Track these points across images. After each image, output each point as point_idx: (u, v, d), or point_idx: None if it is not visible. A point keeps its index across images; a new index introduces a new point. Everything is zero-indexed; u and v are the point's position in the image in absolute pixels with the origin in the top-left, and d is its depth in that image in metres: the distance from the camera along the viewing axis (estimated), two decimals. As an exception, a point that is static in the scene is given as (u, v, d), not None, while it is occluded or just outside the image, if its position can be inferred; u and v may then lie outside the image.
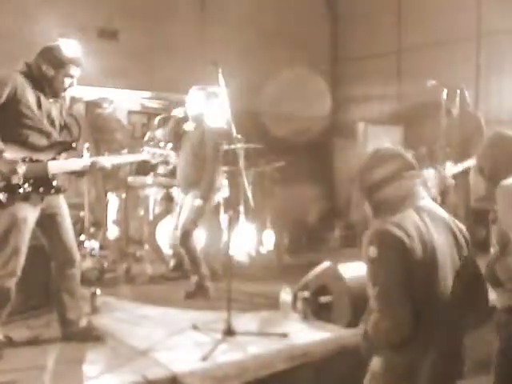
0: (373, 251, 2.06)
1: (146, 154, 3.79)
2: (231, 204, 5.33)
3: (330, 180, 8.07)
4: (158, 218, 5.67)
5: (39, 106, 3.26)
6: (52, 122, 3.35)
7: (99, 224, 5.85)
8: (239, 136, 4.39)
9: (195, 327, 3.71)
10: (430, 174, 5.15)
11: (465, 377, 2.23)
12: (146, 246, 5.50)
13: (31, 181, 3.20)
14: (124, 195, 5.54)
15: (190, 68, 6.79)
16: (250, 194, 3.81)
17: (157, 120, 6.18)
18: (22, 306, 3.75)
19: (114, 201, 5.82)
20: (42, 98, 3.29)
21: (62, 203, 3.44)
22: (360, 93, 8.35)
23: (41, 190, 3.26)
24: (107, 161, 3.55)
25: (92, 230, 5.57)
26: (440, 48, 7.67)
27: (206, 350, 3.27)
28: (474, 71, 7.44)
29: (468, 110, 5.18)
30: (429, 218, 2.12)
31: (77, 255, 3.51)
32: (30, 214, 3.23)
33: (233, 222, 4.81)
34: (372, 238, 2.09)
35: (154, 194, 5.72)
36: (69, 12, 6.49)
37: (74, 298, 3.50)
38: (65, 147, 3.39)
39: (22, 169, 3.12)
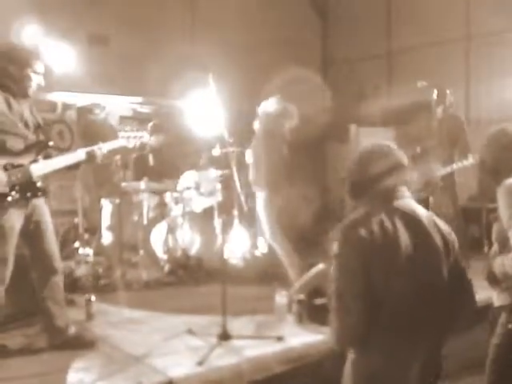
0: (335, 248, 2.06)
1: (121, 140, 3.72)
2: (225, 208, 5.33)
3: (324, 182, 8.10)
4: (152, 223, 5.67)
5: (10, 109, 3.20)
6: (26, 124, 3.30)
7: (93, 230, 5.83)
8: (231, 139, 4.40)
9: (190, 332, 3.71)
10: (419, 174, 5.19)
11: (458, 376, 2.22)
12: (141, 252, 5.49)
13: (17, 187, 3.16)
14: (118, 201, 5.53)
15: (180, 73, 6.79)
16: (243, 198, 3.82)
17: (149, 126, 6.18)
18: (17, 314, 3.74)
19: (107, 207, 5.81)
20: (12, 100, 3.22)
21: (45, 210, 3.40)
22: (351, 94, 8.38)
23: (28, 194, 3.22)
24: (103, 147, 3.54)
25: (86, 236, 5.56)
26: (430, 49, 7.72)
27: (202, 354, 3.27)
28: (464, 72, 7.49)
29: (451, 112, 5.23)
30: (401, 219, 2.07)
31: (59, 263, 3.46)
32: (16, 222, 3.20)
33: (227, 225, 4.81)
34: (335, 235, 2.07)
35: (147, 200, 5.71)
36: (59, 18, 6.48)
37: (60, 305, 3.46)
38: (41, 147, 3.34)
39: (3, 176, 3.08)
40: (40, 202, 3.36)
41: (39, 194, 3.29)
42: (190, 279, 5.27)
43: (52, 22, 5.97)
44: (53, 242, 3.43)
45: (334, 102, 8.28)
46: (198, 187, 5.65)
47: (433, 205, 4.65)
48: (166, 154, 6.02)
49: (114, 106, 6.96)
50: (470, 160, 4.96)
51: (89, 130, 6.51)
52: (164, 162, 6.11)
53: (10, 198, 3.12)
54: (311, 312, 3.91)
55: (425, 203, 4.22)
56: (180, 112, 6.08)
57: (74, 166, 3.51)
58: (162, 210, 5.86)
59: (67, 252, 5.42)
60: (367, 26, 8.51)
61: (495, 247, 2.59)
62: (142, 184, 5.69)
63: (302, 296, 3.97)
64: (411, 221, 2.09)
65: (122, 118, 7.10)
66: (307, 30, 9.05)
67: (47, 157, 3.37)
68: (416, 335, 2.03)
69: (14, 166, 3.17)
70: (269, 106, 4.76)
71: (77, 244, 5.19)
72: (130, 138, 3.75)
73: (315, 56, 9.31)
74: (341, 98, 8.25)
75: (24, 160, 3.23)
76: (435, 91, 4.74)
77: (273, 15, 8.30)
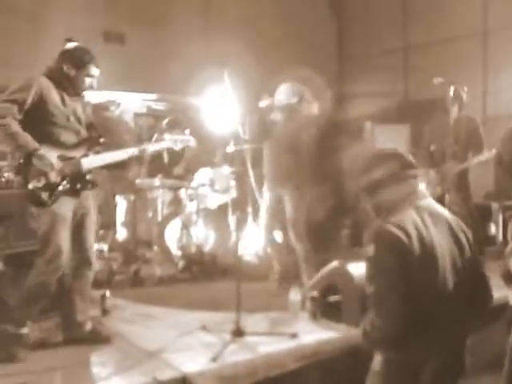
0: (371, 250, 2.07)
1: (169, 141, 3.88)
2: (239, 205, 5.33)
3: (338, 179, 8.05)
4: (167, 219, 5.69)
5: (64, 104, 3.38)
6: (78, 120, 3.47)
7: (108, 226, 5.87)
8: (246, 136, 4.39)
9: (204, 328, 3.72)
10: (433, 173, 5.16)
11: (475, 374, 2.22)
12: (155, 248, 5.52)
13: (67, 178, 3.32)
14: (132, 197, 5.56)
15: (195, 70, 6.80)
16: (257, 195, 3.81)
17: (165, 123, 6.21)
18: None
19: (122, 203, 5.85)
20: (66, 97, 3.40)
21: (92, 204, 3.55)
22: (366, 91, 8.33)
23: (78, 186, 3.38)
24: (140, 151, 3.68)
25: (101, 232, 5.60)
26: (446, 45, 7.65)
27: (216, 350, 3.28)
28: (481, 67, 7.42)
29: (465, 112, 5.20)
30: (430, 218, 2.11)
31: (94, 258, 3.58)
32: (68, 212, 3.34)
33: (241, 222, 4.82)
34: (371, 238, 2.09)
35: (162, 196, 5.74)
36: (75, 16, 6.53)
37: (85, 300, 3.54)
38: (93, 143, 3.50)
39: (58, 164, 3.25)
40: (88, 196, 3.51)
41: (88, 186, 3.45)
42: (204, 275, 5.29)
43: (68, 20, 6.03)
44: (92, 237, 3.56)
45: (350, 99, 8.25)
46: (212, 184, 5.67)
47: (448, 202, 4.61)
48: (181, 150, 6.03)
49: (129, 103, 6.98)
50: (486, 155, 4.92)
51: (104, 126, 6.54)
52: (179, 159, 6.13)
53: (61, 188, 3.28)
54: (325, 309, 3.90)
55: (440, 201, 4.19)
56: (195, 109, 6.09)
57: (121, 163, 3.67)
58: (176, 207, 5.89)
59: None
60: (383, 21, 8.46)
61: (511, 245, 2.57)
62: (157, 181, 5.72)
63: (315, 293, 3.96)
64: (439, 220, 2.14)
65: (137, 115, 7.13)
66: (323, 27, 9.02)
67: (97, 152, 3.52)
68: (445, 334, 2.07)
69: (66, 158, 3.34)
70: (284, 92, 4.72)
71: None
72: (177, 142, 3.94)
73: (331, 52, 9.28)
74: (356, 95, 8.21)
75: (76, 153, 3.40)
76: (452, 88, 4.69)
77: (288, 12, 8.28)
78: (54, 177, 3.26)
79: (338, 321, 3.80)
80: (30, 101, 3.23)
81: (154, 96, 7.23)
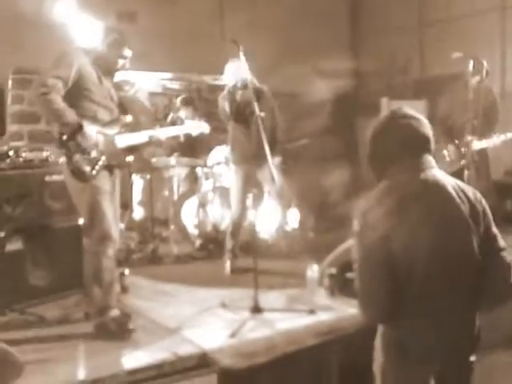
0: (355, 225, 2.03)
1: (188, 127, 3.94)
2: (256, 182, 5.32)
3: (354, 158, 8.01)
4: (183, 198, 5.71)
5: (101, 82, 3.42)
6: (112, 99, 3.52)
7: (125, 205, 5.90)
8: (262, 114, 4.36)
9: (223, 305, 3.75)
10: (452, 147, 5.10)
11: (487, 351, 2.18)
12: (172, 227, 5.55)
13: (105, 154, 3.35)
14: (148, 176, 5.58)
15: (209, 48, 6.75)
16: (274, 173, 3.79)
17: (179, 100, 6.19)
18: (53, 286, 3.84)
19: (138, 182, 5.87)
20: (101, 75, 3.43)
21: (117, 181, 3.59)
22: (383, 67, 8.23)
23: (114, 162, 3.43)
24: (162, 134, 3.74)
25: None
26: (464, 20, 7.50)
27: (235, 326, 3.31)
28: (499, 42, 7.27)
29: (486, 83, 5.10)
30: (426, 190, 2.01)
31: (117, 234, 3.58)
32: (106, 185, 3.38)
33: (257, 200, 4.81)
34: (355, 213, 2.04)
35: (178, 175, 5.75)
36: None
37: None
38: (122, 123, 3.53)
39: (100, 142, 3.30)
40: (116, 174, 3.54)
41: (123, 164, 3.54)
42: (221, 254, 5.31)
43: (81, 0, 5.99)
44: (117, 213, 3.62)
45: (365, 75, 8.16)
46: (228, 162, 5.65)
47: (467, 178, 4.55)
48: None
49: (144, 82, 6.97)
50: (510, 135, 4.84)
51: (119, 106, 6.55)
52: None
53: (100, 162, 3.31)
54: (342, 286, 3.90)
55: (459, 177, 4.15)
56: (210, 87, 6.07)
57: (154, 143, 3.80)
58: (192, 185, 5.90)
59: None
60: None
61: None
62: (173, 160, 5.72)
63: (333, 270, 3.96)
64: (435, 191, 2.03)
65: (152, 94, 7.12)
66: (338, 3, 8.88)
67: (131, 131, 3.56)
68: (445, 307, 1.99)
69: (103, 135, 3.38)
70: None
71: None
72: (194, 128, 3.97)
73: (346, 29, 9.15)
74: (372, 71, 8.11)
75: (110, 131, 3.44)
76: (471, 62, 4.60)
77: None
78: (94, 152, 3.30)
79: (355, 297, 3.79)
80: (72, 77, 3.26)
81: (168, 75, 7.21)
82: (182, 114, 6.02)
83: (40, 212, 3.87)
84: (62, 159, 3.27)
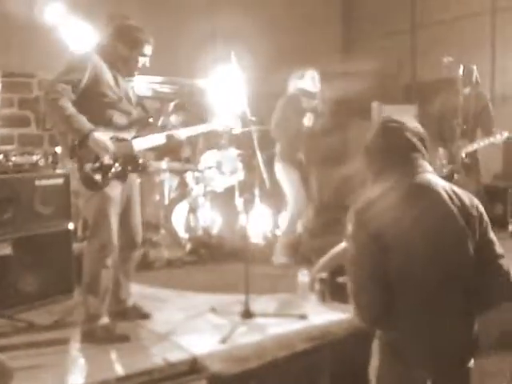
0: (349, 228, 2.04)
1: (215, 124, 3.78)
2: (247, 187, 5.32)
3: (346, 161, 8.03)
4: (174, 202, 5.69)
5: (117, 85, 3.32)
6: (129, 101, 3.42)
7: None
8: (254, 118, 4.37)
9: (213, 310, 3.74)
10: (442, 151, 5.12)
11: (485, 353, 2.18)
12: (163, 231, 5.53)
13: (120, 160, 3.28)
14: (139, 181, 5.54)
15: (201, 52, 6.75)
16: (265, 177, 3.79)
17: (172, 105, 6.16)
18: (42, 291, 3.81)
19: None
20: (119, 77, 3.33)
21: (136, 185, 3.57)
22: (374, 71, 8.25)
23: (129, 168, 3.35)
24: (182, 133, 3.62)
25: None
26: (455, 24, 7.54)
27: (225, 332, 3.30)
28: (489, 46, 7.32)
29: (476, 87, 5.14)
30: (420, 195, 2.02)
31: (140, 239, 3.60)
32: (118, 195, 3.32)
33: (248, 204, 4.81)
34: (349, 216, 2.05)
35: (168, 179, 5.73)
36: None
37: (128, 278, 3.63)
38: (143, 124, 3.47)
39: (112, 147, 3.20)
40: (133, 177, 3.50)
41: (139, 168, 3.43)
42: (212, 258, 5.30)
43: (72, 1, 5.96)
44: (138, 219, 3.56)
45: (356, 79, 8.17)
46: (219, 166, 5.65)
47: (457, 182, 4.58)
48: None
49: (134, 85, 6.94)
50: (498, 137, 4.87)
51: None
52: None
53: (113, 170, 3.25)
54: (334, 290, 3.88)
55: (449, 180, 4.17)
56: (202, 91, 6.04)
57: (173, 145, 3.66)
58: (183, 190, 5.88)
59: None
60: (390, 0, 8.34)
61: None
62: (164, 164, 5.70)
63: (324, 274, 3.95)
64: (430, 196, 2.03)
65: (142, 98, 7.08)
66: (329, 6, 8.90)
67: (148, 133, 3.49)
68: (439, 310, 1.99)
69: (118, 140, 3.29)
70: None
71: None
72: (222, 124, 3.87)
73: (338, 32, 9.18)
74: (363, 75, 8.13)
75: (127, 135, 3.36)
76: (462, 67, 4.62)
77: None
78: (107, 159, 3.22)
79: (346, 302, 3.78)
80: (84, 81, 3.16)
81: (159, 79, 7.19)
82: (173, 118, 6.00)
83: (29, 217, 3.83)
84: (72, 166, 3.20)
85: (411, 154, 2.10)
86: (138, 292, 4.16)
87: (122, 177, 3.33)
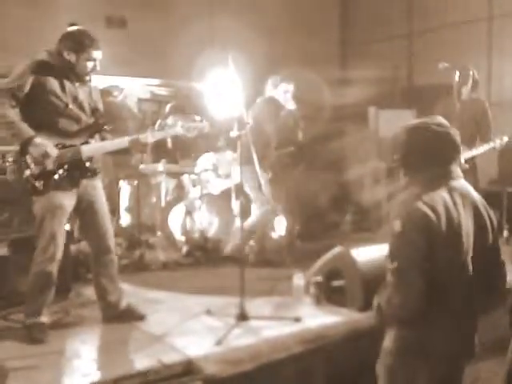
0: (397, 225, 2.06)
1: (181, 128, 3.69)
2: (243, 190, 5.33)
3: (341, 165, 8.06)
4: (170, 204, 5.70)
5: (64, 91, 3.30)
6: (80, 106, 3.39)
7: (112, 212, 5.87)
8: (250, 121, 4.37)
9: (209, 312, 3.75)
10: None
11: (478, 358, 2.23)
12: (159, 233, 5.53)
13: (66, 166, 3.29)
14: (136, 183, 5.57)
15: (199, 55, 6.77)
16: (261, 181, 3.81)
17: (168, 108, 6.19)
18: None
19: (126, 188, 5.85)
20: (67, 82, 3.33)
21: (99, 190, 3.52)
22: (370, 76, 8.29)
23: (76, 174, 3.34)
24: (149, 137, 3.56)
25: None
26: (451, 30, 7.59)
27: (220, 334, 3.30)
28: (485, 52, 7.37)
29: (475, 93, 5.17)
30: (460, 199, 2.11)
31: (112, 242, 3.58)
32: (65, 200, 3.31)
33: (244, 208, 4.82)
34: (399, 212, 2.08)
35: (165, 182, 5.74)
36: (77, 1, 6.49)
37: (114, 281, 3.60)
38: (97, 129, 3.46)
39: (53, 152, 3.20)
40: (93, 183, 3.47)
41: (88, 174, 3.40)
42: (208, 261, 5.31)
43: (69, 5, 6.00)
44: (106, 222, 3.54)
45: (353, 84, 8.21)
46: (215, 169, 5.67)
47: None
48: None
49: (133, 88, 6.96)
50: (497, 142, 4.91)
51: (108, 112, 6.53)
52: (182, 145, 6.12)
53: (56, 176, 3.26)
54: (329, 293, 3.92)
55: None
56: (198, 94, 6.07)
57: (123, 151, 3.61)
58: (179, 192, 5.89)
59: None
60: (388, 6, 8.38)
61: None
62: (160, 166, 5.72)
63: (319, 278, 3.97)
64: (469, 202, 2.14)
65: (141, 100, 7.11)
66: (326, 11, 8.94)
67: (103, 139, 3.48)
68: (463, 315, 2.11)
69: (65, 146, 3.30)
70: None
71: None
72: (190, 128, 3.73)
73: (334, 37, 9.22)
74: (360, 80, 8.18)
75: (76, 141, 3.36)
76: (457, 73, 4.64)
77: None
78: (50, 165, 3.23)
79: (341, 305, 3.81)
80: (26, 89, 3.18)
81: (157, 81, 7.21)
82: (171, 120, 6.02)
83: (26, 218, 3.83)
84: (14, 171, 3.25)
85: (453, 158, 2.18)
86: (133, 294, 4.18)
87: (70, 183, 3.33)
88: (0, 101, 3.16)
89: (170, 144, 5.45)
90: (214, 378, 2.90)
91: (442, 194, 2.09)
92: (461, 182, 2.19)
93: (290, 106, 5.17)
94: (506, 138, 4.95)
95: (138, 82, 7.07)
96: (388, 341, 2.18)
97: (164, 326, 3.54)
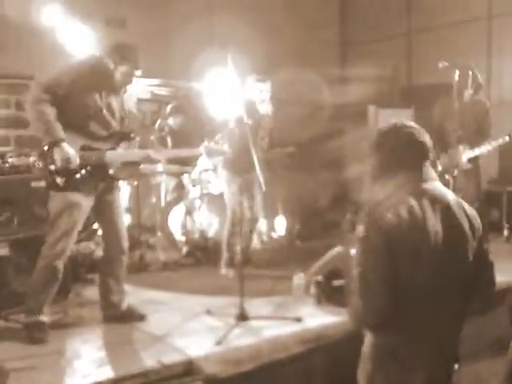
0: (361, 231, 2.04)
1: (202, 150, 3.76)
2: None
3: (341, 164, 8.05)
4: (170, 205, 5.70)
5: (100, 96, 3.41)
6: (112, 113, 3.50)
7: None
8: (250, 121, 4.37)
9: (209, 312, 3.75)
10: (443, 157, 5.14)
11: (478, 358, 2.22)
12: (159, 233, 5.53)
13: (88, 168, 3.37)
14: (136, 183, 5.57)
15: (199, 55, 6.77)
16: (262, 180, 3.80)
17: (169, 108, 6.19)
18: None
19: (126, 189, 5.85)
20: (104, 89, 3.43)
21: (116, 192, 3.61)
22: (369, 75, 8.29)
23: (97, 177, 3.42)
24: (162, 155, 3.74)
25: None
26: (451, 29, 7.58)
27: (220, 334, 3.31)
28: (485, 52, 7.36)
29: (477, 95, 5.17)
30: (430, 203, 2.03)
31: (126, 243, 3.65)
32: (83, 200, 3.38)
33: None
34: (362, 218, 2.05)
35: (165, 182, 5.74)
36: (77, 1, 6.48)
37: (119, 282, 3.65)
38: (123, 138, 3.55)
39: (76, 160, 3.28)
40: (112, 185, 3.56)
41: (108, 179, 3.49)
42: (208, 261, 5.31)
43: (70, 4, 5.98)
44: (122, 223, 3.63)
45: (353, 83, 8.21)
46: (215, 169, 5.67)
47: (454, 187, 4.59)
48: (185, 135, 6.03)
49: (132, 88, 6.94)
50: (500, 141, 4.91)
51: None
52: (182, 144, 6.12)
53: (78, 176, 3.34)
54: (329, 293, 3.92)
55: (446, 185, 4.19)
56: (198, 94, 6.07)
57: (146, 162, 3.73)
58: (179, 193, 5.89)
59: (87, 233, 5.47)
60: (387, 5, 8.38)
61: None
62: (160, 166, 5.72)
63: (319, 278, 3.97)
64: (440, 205, 2.06)
65: (140, 100, 7.10)
66: (325, 10, 8.94)
67: (128, 147, 3.57)
68: (437, 318, 2.03)
69: (90, 148, 3.39)
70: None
71: (96, 225, 5.22)
72: (211, 151, 3.80)
73: (335, 37, 9.21)
74: (360, 79, 8.18)
75: (102, 145, 3.44)
76: (457, 72, 4.64)
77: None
78: (73, 165, 3.30)
79: (341, 305, 3.80)
80: (65, 87, 3.27)
81: (157, 81, 7.20)
82: (171, 121, 6.02)
83: (26, 218, 3.85)
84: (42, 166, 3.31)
85: (422, 160, 2.13)
86: (133, 294, 4.18)
87: (90, 184, 3.40)
88: (38, 96, 3.21)
89: (170, 143, 5.46)
90: (214, 378, 2.91)
91: (408, 197, 2.04)
92: (434, 184, 2.11)
93: (265, 106, 4.92)
94: (507, 138, 4.95)
95: (138, 82, 7.06)
96: (365, 346, 2.15)
97: (164, 326, 3.54)
